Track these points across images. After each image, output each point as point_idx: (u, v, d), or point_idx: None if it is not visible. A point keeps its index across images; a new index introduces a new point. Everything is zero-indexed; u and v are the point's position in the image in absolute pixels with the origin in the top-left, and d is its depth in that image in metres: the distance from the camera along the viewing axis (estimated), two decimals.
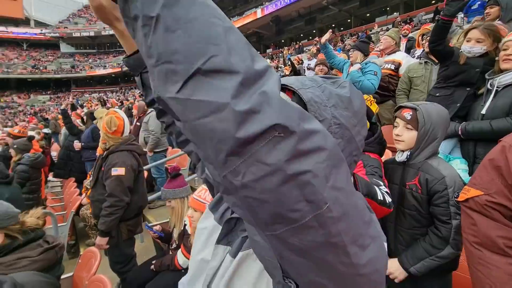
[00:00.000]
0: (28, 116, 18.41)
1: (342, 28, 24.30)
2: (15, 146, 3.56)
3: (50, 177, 5.45)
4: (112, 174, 2.09)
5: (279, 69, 11.16)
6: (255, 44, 30.29)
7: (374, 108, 1.53)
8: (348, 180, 0.36)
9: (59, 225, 3.34)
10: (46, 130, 7.65)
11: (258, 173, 0.31)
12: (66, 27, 38.82)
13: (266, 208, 0.32)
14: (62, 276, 2.05)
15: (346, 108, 0.50)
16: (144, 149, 4.41)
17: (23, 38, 37.64)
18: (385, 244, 0.49)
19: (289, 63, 6.52)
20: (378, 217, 1.45)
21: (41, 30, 37.66)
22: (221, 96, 0.30)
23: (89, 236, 3.62)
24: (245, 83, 0.30)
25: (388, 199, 1.16)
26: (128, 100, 10.99)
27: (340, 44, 14.78)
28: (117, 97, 21.45)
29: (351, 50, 3.68)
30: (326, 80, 0.54)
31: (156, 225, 2.32)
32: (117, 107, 10.70)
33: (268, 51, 26.12)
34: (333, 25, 26.25)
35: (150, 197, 3.72)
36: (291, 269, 0.39)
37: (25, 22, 38.09)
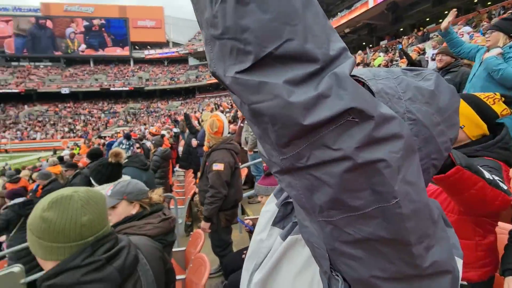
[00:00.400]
0: (165, 118, 23.35)
1: (489, 3, 18.82)
2: (153, 141, 4.61)
3: (177, 168, 6.72)
4: (213, 169, 2.40)
5: (394, 63, 9.74)
6: (365, 37, 27.63)
7: (499, 108, 1.18)
8: (419, 174, 0.32)
9: (179, 207, 4.09)
10: (175, 130, 9.44)
11: (323, 157, 0.29)
12: (193, 44, 46.91)
13: (326, 191, 0.31)
14: (179, 249, 2.53)
15: (427, 103, 0.42)
16: (245, 148, 4.84)
17: (165, 57, 48.02)
18: (461, 262, 0.42)
19: (403, 54, 5.70)
20: (493, 209, 1.09)
21: (177, 49, 47.06)
22: (288, 81, 0.28)
23: (200, 220, 4.27)
24: (319, 70, 0.29)
25: (503, 185, 0.90)
26: None
27: (485, 22, 11.36)
28: (229, 101, 24.27)
29: (488, 31, 2.86)
30: (407, 72, 0.47)
31: (247, 219, 2.51)
32: (228, 109, 12.13)
33: (382, 43, 22.75)
34: (475, 1, 20.90)
35: (249, 193, 4.06)
36: (341, 261, 0.36)
37: (166, 44, 48.45)
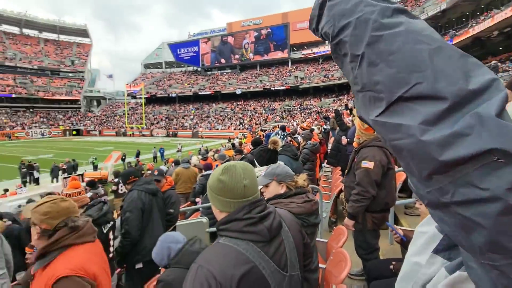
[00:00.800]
0: (316, 114, 24.06)
1: None
2: (302, 135, 4.90)
3: (325, 164, 6.83)
4: (361, 166, 2.27)
5: None
6: None
7: None
8: None
9: (324, 201, 4.16)
10: (326, 126, 9.57)
11: (471, 196, 0.29)
12: None
13: (481, 232, 0.29)
14: (321, 239, 2.61)
15: None
16: None
17: (320, 55, 49.14)
18: None
19: None
20: None
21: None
22: (421, 121, 0.30)
23: (344, 218, 4.16)
24: (453, 107, 0.29)
25: None
26: None
27: None
28: None
29: None
30: None
31: (399, 228, 2.21)
32: None
33: None
34: None
35: (406, 201, 3.49)
36: None
37: (322, 42, 49.41)
